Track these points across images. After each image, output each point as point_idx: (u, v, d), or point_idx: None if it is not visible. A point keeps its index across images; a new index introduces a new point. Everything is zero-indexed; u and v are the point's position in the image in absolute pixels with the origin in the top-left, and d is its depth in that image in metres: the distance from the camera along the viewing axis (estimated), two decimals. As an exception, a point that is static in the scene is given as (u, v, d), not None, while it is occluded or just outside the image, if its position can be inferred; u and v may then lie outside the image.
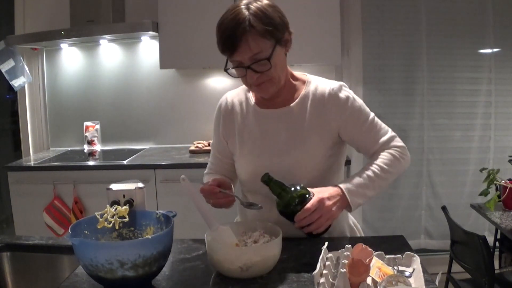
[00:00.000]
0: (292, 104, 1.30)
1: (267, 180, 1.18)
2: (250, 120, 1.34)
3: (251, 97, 1.36)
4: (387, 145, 1.29)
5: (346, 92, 1.30)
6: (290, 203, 1.15)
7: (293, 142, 1.28)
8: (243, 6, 1.16)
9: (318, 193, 1.17)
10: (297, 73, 1.36)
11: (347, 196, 1.19)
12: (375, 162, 1.26)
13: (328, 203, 1.15)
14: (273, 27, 1.16)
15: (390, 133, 1.31)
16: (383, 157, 1.27)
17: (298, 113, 1.29)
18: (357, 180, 1.23)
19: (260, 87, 1.24)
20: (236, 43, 1.14)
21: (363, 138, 1.30)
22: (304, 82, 1.33)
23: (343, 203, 1.19)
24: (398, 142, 1.31)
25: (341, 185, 1.21)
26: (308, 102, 1.29)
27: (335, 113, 1.27)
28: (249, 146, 1.33)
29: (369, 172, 1.24)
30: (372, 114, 1.31)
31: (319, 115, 1.28)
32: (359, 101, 1.31)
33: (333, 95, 1.28)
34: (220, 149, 1.42)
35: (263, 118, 1.32)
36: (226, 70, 1.23)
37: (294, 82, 1.33)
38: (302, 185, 1.18)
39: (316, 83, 1.32)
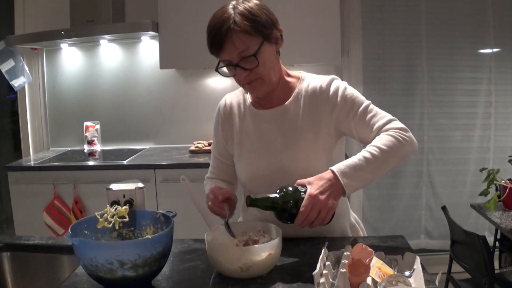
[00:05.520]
0: (286, 103, 1.30)
1: (251, 202, 1.14)
2: (248, 121, 1.34)
3: (248, 98, 1.37)
4: (383, 128, 1.22)
5: (337, 83, 1.28)
6: (284, 211, 1.13)
7: (289, 141, 1.28)
8: (229, 6, 1.18)
9: (310, 187, 1.12)
10: (293, 72, 1.36)
11: (340, 179, 1.12)
12: (371, 144, 1.19)
13: (322, 197, 1.10)
14: (259, 24, 1.17)
15: (388, 117, 1.24)
16: (380, 138, 1.19)
17: (292, 112, 1.29)
18: (352, 161, 1.16)
19: (251, 85, 1.24)
20: (221, 41, 1.15)
21: (360, 126, 1.24)
22: (298, 79, 1.33)
23: (338, 189, 1.13)
24: (396, 124, 1.22)
25: (334, 168, 1.15)
26: (301, 100, 1.29)
27: (327, 107, 1.26)
28: (247, 147, 1.33)
29: (365, 153, 1.16)
30: (367, 102, 1.26)
31: (313, 112, 1.28)
32: (351, 90, 1.28)
33: (324, 89, 1.27)
34: (220, 151, 1.42)
35: (259, 119, 1.33)
36: (217, 70, 1.24)
37: (289, 80, 1.33)
38: (290, 187, 1.14)
39: (309, 80, 1.32)
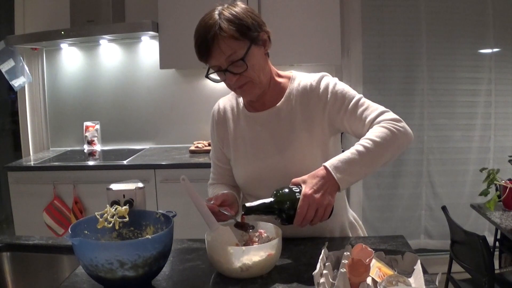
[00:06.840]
0: (278, 104, 1.30)
1: (247, 211, 1.13)
2: (242, 124, 1.34)
3: (241, 101, 1.37)
4: (376, 121, 1.20)
5: (327, 80, 1.28)
6: (282, 214, 1.12)
7: (284, 142, 1.28)
8: (215, 12, 1.18)
9: (305, 187, 1.11)
10: (283, 72, 1.36)
11: (333, 174, 1.11)
12: (364, 137, 1.17)
13: (317, 196, 1.09)
14: (245, 28, 1.17)
15: (380, 109, 1.22)
16: (373, 131, 1.17)
17: (285, 112, 1.29)
18: (345, 156, 1.14)
19: (242, 89, 1.24)
20: (208, 48, 1.16)
21: (352, 121, 1.23)
22: (289, 79, 1.33)
23: (332, 185, 1.12)
24: (389, 115, 1.20)
25: (327, 164, 1.13)
26: (293, 99, 1.29)
27: (319, 104, 1.26)
28: (242, 150, 1.33)
29: (358, 147, 1.15)
30: (358, 96, 1.25)
31: (305, 110, 1.27)
32: (341, 86, 1.27)
33: (314, 87, 1.27)
34: (219, 156, 1.42)
35: (253, 121, 1.33)
36: (207, 76, 1.24)
37: (280, 80, 1.33)
38: (286, 188, 1.13)
39: (300, 79, 1.31)
